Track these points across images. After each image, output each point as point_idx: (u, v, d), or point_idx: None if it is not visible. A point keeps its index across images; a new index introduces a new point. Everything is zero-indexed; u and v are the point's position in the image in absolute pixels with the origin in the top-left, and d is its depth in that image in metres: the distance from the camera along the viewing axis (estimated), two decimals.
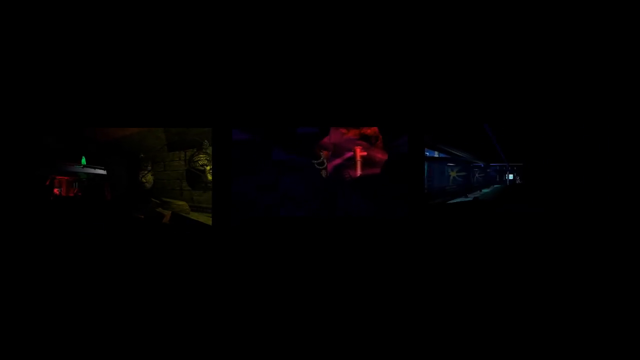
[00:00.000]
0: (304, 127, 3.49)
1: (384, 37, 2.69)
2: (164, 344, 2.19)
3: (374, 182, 3.95)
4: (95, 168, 3.39)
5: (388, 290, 2.66)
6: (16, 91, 2.67)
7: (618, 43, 2.70)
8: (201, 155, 3.32)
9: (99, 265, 2.81)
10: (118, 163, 3.33)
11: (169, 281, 2.72)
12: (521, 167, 4.16)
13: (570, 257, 2.80)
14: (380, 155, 4.06)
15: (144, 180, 3.39)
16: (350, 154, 4.11)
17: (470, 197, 4.18)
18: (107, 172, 3.34)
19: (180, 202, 3.35)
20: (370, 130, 4.02)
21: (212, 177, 3.09)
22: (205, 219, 3.29)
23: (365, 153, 4.14)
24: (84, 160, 3.36)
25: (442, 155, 4.12)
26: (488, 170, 4.40)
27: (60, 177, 3.42)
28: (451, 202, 3.99)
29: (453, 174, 4.27)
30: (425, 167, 3.70)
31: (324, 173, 4.04)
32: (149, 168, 3.36)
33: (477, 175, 4.42)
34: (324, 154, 4.10)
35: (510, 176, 4.28)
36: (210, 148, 3.25)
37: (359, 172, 4.10)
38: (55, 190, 3.39)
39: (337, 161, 4.12)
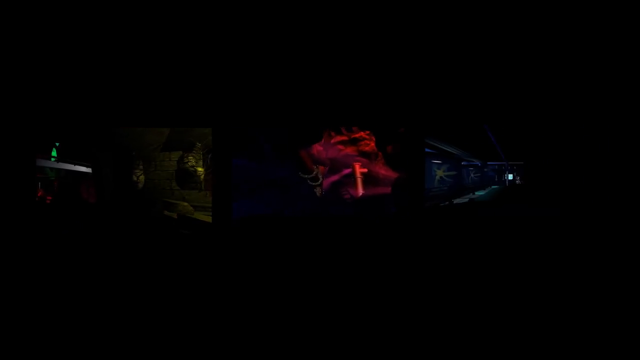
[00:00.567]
0: (294, 133, 3.38)
1: (383, 36, 2.71)
2: (156, 345, 2.22)
3: (381, 204, 3.67)
4: (75, 164, 3.19)
5: (381, 291, 2.67)
6: (12, 90, 2.66)
7: (621, 41, 2.70)
8: (190, 157, 3.30)
9: (75, 266, 2.77)
10: (108, 160, 3.19)
11: (164, 280, 2.72)
12: (522, 166, 3.94)
13: (577, 260, 2.77)
14: (384, 172, 3.76)
15: (137, 180, 3.31)
16: (348, 170, 3.80)
17: (462, 201, 3.89)
18: (93, 169, 3.18)
19: (184, 203, 3.32)
20: (368, 147, 3.71)
21: (213, 177, 3.11)
22: (205, 217, 3.29)
23: (365, 170, 3.82)
24: (54, 152, 3.12)
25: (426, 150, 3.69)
26: (485, 170, 4.14)
27: None
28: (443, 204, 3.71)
29: (440, 173, 3.88)
30: None
31: (318, 191, 3.70)
32: (141, 167, 3.27)
33: (472, 175, 4.15)
34: (319, 169, 3.76)
35: (510, 176, 4.05)
36: (201, 150, 3.24)
37: (360, 191, 3.76)
38: None
39: (334, 178, 3.80)
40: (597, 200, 3.07)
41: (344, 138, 3.88)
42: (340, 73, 2.84)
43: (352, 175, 3.85)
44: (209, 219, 3.23)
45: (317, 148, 3.81)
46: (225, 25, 2.63)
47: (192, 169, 3.28)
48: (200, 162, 3.33)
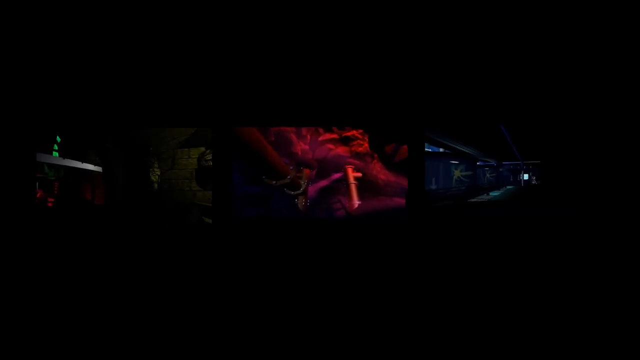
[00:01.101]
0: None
1: (384, 33, 2.72)
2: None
3: (382, 217, 3.17)
4: (83, 162, 3.12)
5: (381, 295, 2.68)
6: (13, 91, 2.73)
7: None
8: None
9: (80, 266, 2.78)
10: (121, 157, 3.08)
11: (172, 279, 2.75)
12: (537, 165, 3.72)
13: (590, 263, 2.75)
14: (383, 177, 3.19)
15: (154, 180, 3.16)
16: (338, 175, 3.24)
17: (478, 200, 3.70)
18: (104, 167, 3.08)
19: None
20: (362, 148, 3.20)
21: (213, 177, 3.02)
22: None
23: (359, 174, 3.23)
24: (56, 148, 3.05)
25: (433, 150, 3.57)
26: (501, 169, 3.90)
27: None
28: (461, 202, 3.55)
29: (457, 173, 3.73)
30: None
31: (300, 202, 3.16)
32: (156, 165, 3.15)
33: (487, 175, 3.92)
34: (304, 173, 3.18)
35: (525, 176, 3.80)
36: None
37: (355, 202, 3.21)
38: None
39: (323, 183, 3.23)
40: (614, 202, 3.01)
41: (334, 136, 3.32)
42: (340, 73, 2.85)
43: (344, 180, 3.25)
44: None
45: (302, 147, 3.24)
46: (225, 25, 2.68)
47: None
48: None
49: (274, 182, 3.17)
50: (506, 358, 2.20)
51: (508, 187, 3.89)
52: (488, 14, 2.63)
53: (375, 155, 3.23)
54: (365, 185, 3.26)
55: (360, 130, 3.27)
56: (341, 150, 3.27)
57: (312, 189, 3.26)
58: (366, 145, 3.23)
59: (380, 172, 3.24)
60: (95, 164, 3.23)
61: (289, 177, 3.17)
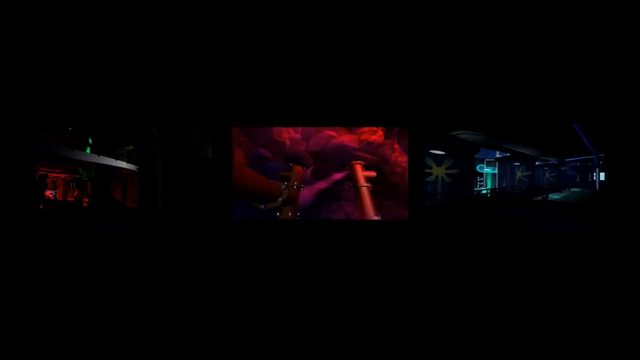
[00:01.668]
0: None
1: (388, 32, 2.70)
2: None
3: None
4: (116, 159, 3.24)
5: (381, 290, 2.63)
6: (16, 89, 2.83)
7: None
8: None
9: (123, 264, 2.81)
10: (166, 156, 3.07)
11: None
12: (605, 160, 2.98)
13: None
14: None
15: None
16: (341, 175, 2.91)
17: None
18: (141, 166, 3.11)
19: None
20: (375, 136, 2.88)
21: (213, 176, 3.07)
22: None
23: (373, 173, 2.81)
24: (89, 146, 3.19)
25: (502, 155, 3.71)
26: (563, 168, 3.39)
27: (56, 175, 3.12)
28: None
29: (519, 173, 3.66)
30: (488, 169, 3.60)
31: (286, 214, 2.92)
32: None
33: (547, 175, 3.55)
34: (294, 172, 2.89)
35: (602, 175, 3.09)
36: None
37: (370, 213, 2.79)
38: (48, 193, 3.08)
39: (321, 185, 2.90)
40: None
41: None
42: (340, 73, 2.83)
43: (352, 181, 2.83)
44: None
45: (292, 135, 2.88)
46: (226, 26, 2.70)
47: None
48: None
49: (262, 206, 2.98)
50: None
51: (573, 189, 3.32)
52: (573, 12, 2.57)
53: (397, 147, 2.79)
54: (384, 190, 2.81)
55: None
56: (346, 139, 2.83)
57: (306, 194, 2.93)
58: (381, 132, 2.81)
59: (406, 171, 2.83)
60: (128, 162, 3.34)
61: (280, 199, 2.98)
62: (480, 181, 3.90)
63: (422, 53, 2.82)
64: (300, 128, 2.73)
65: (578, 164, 3.23)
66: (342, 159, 2.73)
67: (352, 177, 2.77)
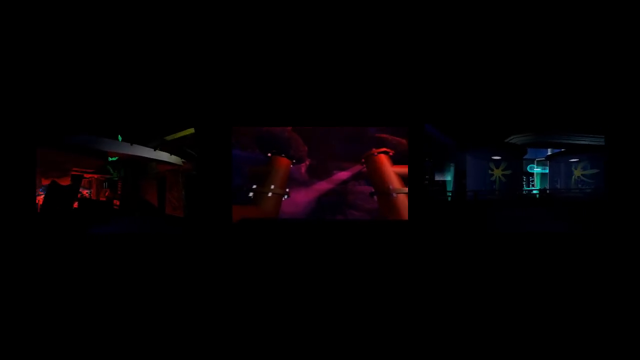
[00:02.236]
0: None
1: (384, 35, 2.21)
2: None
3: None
4: (155, 150, 2.90)
5: (380, 289, 2.28)
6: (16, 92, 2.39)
7: None
8: None
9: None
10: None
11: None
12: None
13: None
14: None
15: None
16: (348, 172, 2.31)
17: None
18: (200, 165, 2.51)
19: None
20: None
21: (213, 176, 2.59)
22: None
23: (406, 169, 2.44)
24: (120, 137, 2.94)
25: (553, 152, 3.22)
26: None
27: (89, 175, 2.82)
28: None
29: (577, 172, 3.03)
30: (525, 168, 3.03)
31: None
32: None
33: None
34: (275, 168, 2.47)
35: None
36: None
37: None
38: (85, 192, 2.82)
39: (321, 186, 2.36)
40: None
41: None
42: (341, 73, 2.33)
43: (375, 183, 2.36)
44: None
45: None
46: (226, 26, 2.20)
47: None
48: None
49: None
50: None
51: None
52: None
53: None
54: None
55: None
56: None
57: (297, 203, 2.42)
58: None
59: None
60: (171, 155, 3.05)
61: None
62: (532, 181, 3.62)
63: (422, 52, 2.47)
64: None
65: None
66: (355, 148, 2.46)
67: (374, 177, 2.45)
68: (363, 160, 2.42)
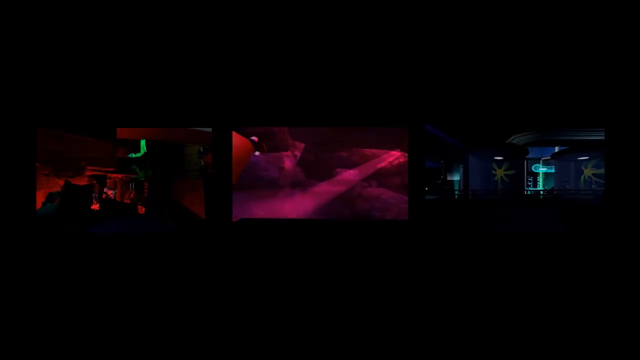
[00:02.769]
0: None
1: (384, 33, 2.77)
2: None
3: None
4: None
5: (380, 289, 2.72)
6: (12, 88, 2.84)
7: None
8: None
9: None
10: None
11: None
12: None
13: None
14: None
15: None
16: (379, 164, 2.66)
17: None
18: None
19: None
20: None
21: (213, 177, 2.99)
22: None
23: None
24: (143, 146, 3.01)
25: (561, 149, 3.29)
26: None
27: (113, 175, 3.00)
28: None
29: (588, 171, 3.10)
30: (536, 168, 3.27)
31: None
32: None
33: None
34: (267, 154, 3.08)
35: None
36: None
37: None
38: (110, 193, 3.03)
39: (323, 189, 2.64)
40: None
41: None
42: (341, 73, 2.85)
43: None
44: None
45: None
46: (226, 26, 2.72)
47: None
48: None
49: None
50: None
51: None
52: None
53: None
54: None
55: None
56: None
57: (285, 210, 2.87)
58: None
59: None
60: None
61: None
62: (530, 181, 3.62)
63: (421, 51, 2.79)
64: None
65: None
66: (360, 142, 2.50)
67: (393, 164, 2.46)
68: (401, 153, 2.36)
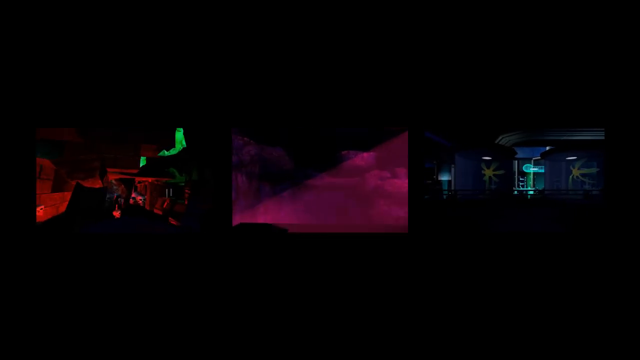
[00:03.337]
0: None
1: (382, 34, 2.81)
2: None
3: None
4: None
5: (379, 290, 2.74)
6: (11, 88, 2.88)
7: None
8: None
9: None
10: None
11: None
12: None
13: None
14: None
15: None
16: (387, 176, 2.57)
17: None
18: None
19: None
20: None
21: (213, 178, 2.91)
22: None
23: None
24: (180, 135, 2.49)
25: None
26: None
27: (142, 179, 2.61)
28: None
29: (575, 171, 3.04)
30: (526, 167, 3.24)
31: None
32: None
33: None
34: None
35: None
36: None
37: None
38: (139, 199, 2.66)
39: (321, 181, 2.43)
40: None
41: None
42: (341, 74, 2.89)
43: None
44: None
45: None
46: (226, 27, 2.78)
47: None
48: None
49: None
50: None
51: None
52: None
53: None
54: None
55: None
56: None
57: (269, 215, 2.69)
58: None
59: None
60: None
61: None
62: (522, 181, 3.59)
63: (421, 52, 2.80)
64: None
65: None
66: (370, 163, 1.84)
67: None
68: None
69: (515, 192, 3.51)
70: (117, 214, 2.71)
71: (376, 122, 2.92)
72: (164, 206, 2.45)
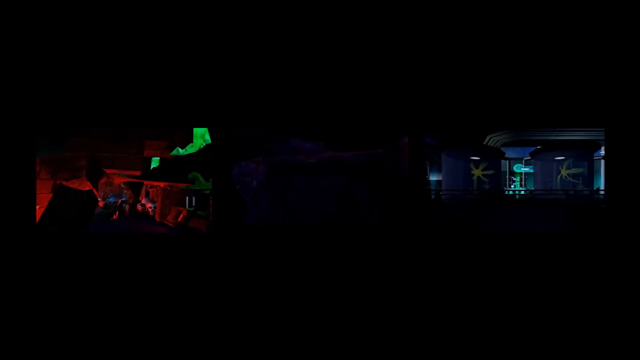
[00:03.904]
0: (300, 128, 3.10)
1: (381, 34, 2.80)
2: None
3: None
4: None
5: (379, 290, 2.72)
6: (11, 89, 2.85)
7: None
8: None
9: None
10: None
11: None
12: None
13: None
14: None
15: None
16: None
17: None
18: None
19: None
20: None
21: (212, 178, 2.86)
22: None
23: None
24: (200, 135, 2.12)
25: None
26: None
27: (153, 183, 2.31)
28: None
29: (563, 172, 3.06)
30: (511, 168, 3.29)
31: None
32: None
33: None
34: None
35: None
36: None
37: None
38: (148, 206, 2.38)
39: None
40: None
41: None
42: (341, 73, 2.86)
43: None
44: None
45: None
46: (225, 26, 2.75)
47: None
48: None
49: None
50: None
51: None
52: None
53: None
54: None
55: None
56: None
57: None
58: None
59: None
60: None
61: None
62: (514, 181, 3.57)
63: (421, 56, 2.78)
64: None
65: None
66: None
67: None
68: None
69: (508, 192, 3.50)
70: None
71: (376, 123, 2.91)
72: (179, 219, 2.11)
